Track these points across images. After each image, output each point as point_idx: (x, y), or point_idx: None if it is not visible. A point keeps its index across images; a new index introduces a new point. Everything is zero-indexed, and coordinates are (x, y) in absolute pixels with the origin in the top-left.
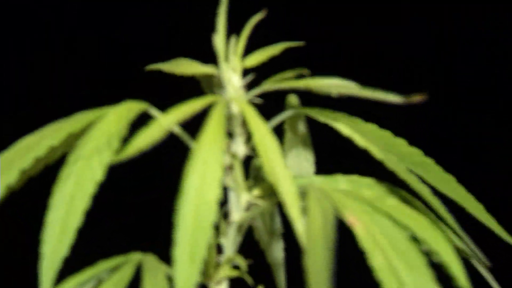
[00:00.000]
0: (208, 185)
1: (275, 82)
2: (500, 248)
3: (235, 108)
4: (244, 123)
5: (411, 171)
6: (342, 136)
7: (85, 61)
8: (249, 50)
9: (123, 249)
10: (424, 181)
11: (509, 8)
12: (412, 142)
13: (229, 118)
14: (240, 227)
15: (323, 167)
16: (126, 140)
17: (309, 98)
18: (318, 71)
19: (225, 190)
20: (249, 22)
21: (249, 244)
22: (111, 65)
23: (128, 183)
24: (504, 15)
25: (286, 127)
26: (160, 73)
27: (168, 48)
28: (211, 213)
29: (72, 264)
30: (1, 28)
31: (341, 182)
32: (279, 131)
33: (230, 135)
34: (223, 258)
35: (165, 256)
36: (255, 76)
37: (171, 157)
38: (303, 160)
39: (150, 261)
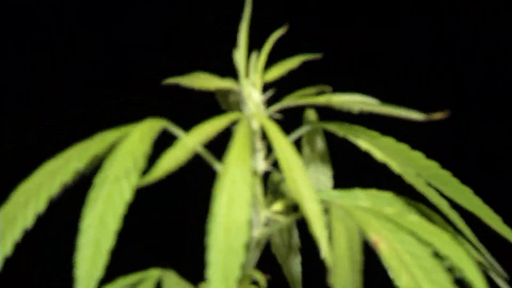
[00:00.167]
0: (238, 206)
1: (296, 98)
2: None
3: (255, 124)
4: (264, 139)
5: (429, 184)
6: (359, 150)
7: (87, 61)
8: (268, 64)
9: (143, 266)
10: (441, 194)
11: None
12: (429, 154)
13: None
14: (258, 242)
15: (341, 181)
16: (150, 158)
17: (326, 113)
18: (338, 85)
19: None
20: (270, 37)
21: (268, 260)
22: (113, 66)
23: (148, 202)
24: None
25: (304, 142)
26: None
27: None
28: (242, 234)
29: None
30: (1, 28)
31: (360, 197)
32: (297, 146)
33: None
34: (242, 273)
35: (185, 273)
36: (275, 91)
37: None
38: (321, 174)
39: (170, 278)
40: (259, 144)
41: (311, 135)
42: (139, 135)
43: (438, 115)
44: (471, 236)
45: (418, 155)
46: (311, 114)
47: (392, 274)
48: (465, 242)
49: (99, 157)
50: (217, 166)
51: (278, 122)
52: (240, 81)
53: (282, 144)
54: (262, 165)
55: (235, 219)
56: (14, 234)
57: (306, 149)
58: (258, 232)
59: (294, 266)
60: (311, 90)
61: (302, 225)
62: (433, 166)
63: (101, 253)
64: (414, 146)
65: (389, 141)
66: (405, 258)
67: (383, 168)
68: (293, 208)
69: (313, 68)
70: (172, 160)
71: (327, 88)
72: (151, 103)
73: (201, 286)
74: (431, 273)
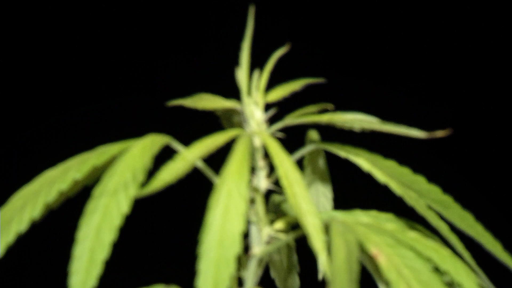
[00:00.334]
0: (232, 218)
1: (298, 116)
2: None
3: (257, 142)
4: (266, 157)
5: (430, 208)
6: (359, 171)
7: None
8: (270, 83)
9: (146, 281)
10: (443, 218)
11: None
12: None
13: (251, 152)
14: (260, 260)
15: (342, 203)
16: (150, 173)
17: (328, 134)
18: (340, 104)
19: (246, 223)
20: (272, 57)
21: (270, 277)
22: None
23: (151, 215)
24: None
25: (306, 162)
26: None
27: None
28: (235, 245)
29: None
30: (1, 28)
31: (361, 217)
32: (298, 166)
33: (252, 169)
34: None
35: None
36: (277, 110)
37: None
38: (322, 195)
39: None
40: (262, 162)
41: (313, 156)
42: (140, 149)
43: (439, 133)
44: (470, 260)
45: (420, 179)
46: (313, 134)
47: (390, 286)
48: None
49: (99, 169)
50: (216, 179)
51: (281, 141)
52: (242, 99)
53: (283, 160)
54: (264, 183)
55: (229, 230)
56: (8, 237)
57: (307, 170)
58: (260, 250)
59: (292, 284)
60: (313, 108)
61: (301, 245)
62: (435, 190)
63: (95, 263)
64: (417, 167)
65: (391, 163)
66: (404, 272)
67: (384, 191)
68: (295, 227)
69: (316, 86)
70: (171, 172)
71: (329, 106)
72: (158, 120)
73: None
74: (430, 286)
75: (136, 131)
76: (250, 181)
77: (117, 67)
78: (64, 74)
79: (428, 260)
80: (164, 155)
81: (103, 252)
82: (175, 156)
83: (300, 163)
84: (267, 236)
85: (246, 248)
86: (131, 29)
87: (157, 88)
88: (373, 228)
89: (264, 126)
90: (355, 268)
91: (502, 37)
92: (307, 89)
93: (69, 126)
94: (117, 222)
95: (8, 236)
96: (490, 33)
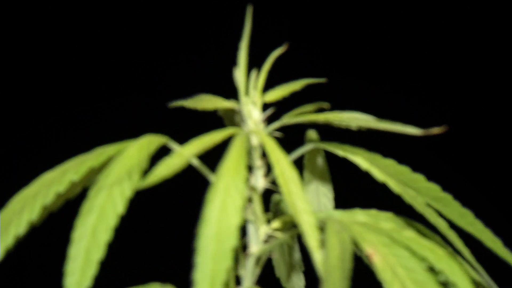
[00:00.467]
0: (229, 212)
1: (295, 115)
2: None
3: (255, 141)
4: (264, 156)
5: (429, 205)
6: (360, 170)
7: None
8: (269, 82)
9: (142, 279)
10: (442, 216)
11: None
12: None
13: (249, 151)
14: (258, 259)
15: (342, 201)
16: (146, 173)
17: (328, 133)
18: (338, 103)
19: (244, 222)
20: (270, 56)
21: (268, 276)
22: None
23: (146, 215)
24: None
25: (306, 161)
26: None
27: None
28: (232, 238)
29: None
30: (1, 28)
31: (360, 216)
32: (298, 166)
33: (249, 168)
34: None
35: (184, 287)
36: (276, 109)
37: (189, 188)
38: (322, 195)
39: None
40: (259, 162)
41: (312, 155)
42: (137, 150)
43: (435, 130)
44: (470, 257)
45: (419, 177)
46: (312, 134)
47: (385, 286)
48: (463, 262)
49: (97, 171)
50: (213, 176)
51: (280, 140)
52: (240, 99)
53: (280, 158)
54: (262, 182)
55: (226, 224)
56: (7, 240)
57: (307, 169)
58: (258, 248)
59: (296, 282)
60: (310, 107)
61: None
62: (434, 188)
63: (91, 263)
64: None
65: (389, 162)
66: (399, 271)
67: (386, 189)
68: (293, 225)
69: (314, 85)
70: (167, 168)
71: (326, 105)
72: (158, 121)
73: None
74: (424, 286)
75: (135, 132)
76: (247, 178)
77: (117, 68)
78: (64, 75)
79: (423, 259)
80: (162, 156)
81: (98, 252)
82: (171, 153)
83: (300, 163)
84: (264, 235)
85: (244, 247)
86: (131, 30)
87: (157, 89)
88: (369, 227)
89: (261, 126)
90: (348, 266)
91: (498, 35)
92: (305, 88)
93: (68, 127)
94: (112, 222)
95: (7, 240)
96: (486, 31)
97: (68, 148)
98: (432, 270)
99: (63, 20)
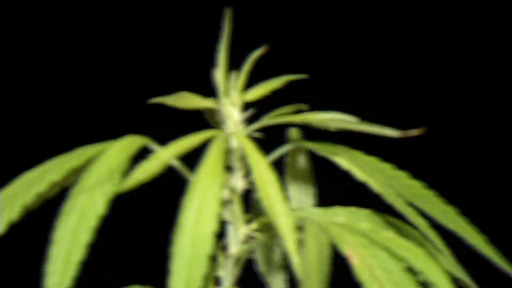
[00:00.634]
0: (205, 218)
1: (274, 116)
2: (502, 280)
3: (234, 143)
4: (243, 158)
5: (411, 204)
6: (342, 169)
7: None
8: (249, 83)
9: (122, 281)
10: (424, 213)
11: None
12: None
13: (229, 152)
14: (238, 260)
15: (325, 199)
16: (127, 174)
17: (312, 131)
18: (318, 104)
19: (223, 223)
20: (250, 57)
21: (248, 277)
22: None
23: (127, 215)
24: None
25: (288, 160)
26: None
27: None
28: (207, 245)
29: None
30: (1, 28)
31: (340, 214)
32: (281, 164)
33: (229, 169)
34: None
35: None
36: (256, 110)
37: (169, 189)
38: (304, 193)
39: None
40: (238, 163)
41: (294, 154)
42: (117, 151)
43: (413, 132)
44: (450, 255)
45: (401, 175)
46: (294, 133)
47: (363, 286)
48: (444, 260)
49: (77, 171)
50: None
51: (262, 140)
52: (220, 100)
53: (258, 161)
54: (241, 183)
55: (202, 230)
56: None
57: (289, 168)
58: (237, 249)
59: (278, 283)
60: (290, 109)
61: None
62: (417, 185)
63: (71, 264)
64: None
65: (372, 160)
66: (377, 272)
67: (367, 187)
68: (272, 225)
69: (294, 86)
70: (145, 171)
71: (305, 106)
72: (139, 121)
73: None
74: (403, 287)
75: (116, 132)
76: (224, 182)
77: (116, 68)
78: (63, 75)
79: (402, 260)
80: (143, 156)
81: (79, 253)
82: (150, 156)
83: (282, 162)
84: (243, 235)
85: (224, 248)
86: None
87: (142, 89)
88: (347, 228)
89: (241, 127)
90: (326, 269)
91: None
92: (288, 88)
93: (68, 127)
94: (93, 223)
95: None
96: (487, 31)
97: (68, 148)
98: (411, 270)
99: (63, 20)
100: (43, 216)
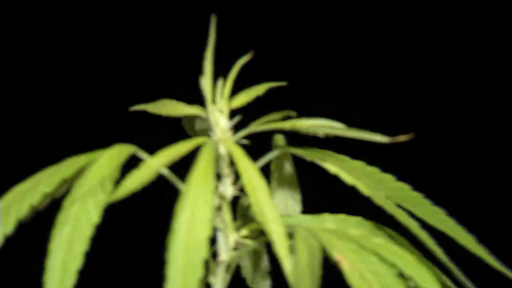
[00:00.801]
0: (198, 224)
1: (262, 123)
2: (492, 279)
3: (222, 150)
4: (232, 164)
5: (399, 206)
6: (329, 174)
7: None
8: (235, 91)
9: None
10: (413, 215)
11: None
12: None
13: (217, 159)
14: (228, 266)
15: (311, 205)
16: (117, 182)
17: (297, 137)
18: (306, 110)
19: (213, 230)
20: (236, 64)
21: (238, 283)
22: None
23: (120, 223)
24: None
25: (273, 166)
26: (145, 113)
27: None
28: (201, 251)
29: None
30: (1, 28)
31: (328, 221)
32: (266, 171)
33: (218, 176)
34: None
35: None
36: (242, 116)
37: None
38: (290, 199)
39: None
40: (227, 170)
41: (280, 160)
42: (107, 160)
43: (402, 138)
44: (442, 256)
45: (388, 178)
46: (279, 139)
47: None
48: (433, 266)
49: (68, 181)
50: (182, 187)
51: (248, 147)
52: (207, 107)
53: (247, 167)
54: (230, 190)
55: (195, 236)
56: None
57: (275, 174)
58: (227, 256)
59: (263, 285)
60: (277, 115)
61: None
62: (404, 188)
63: (69, 274)
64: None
65: (359, 164)
66: (367, 276)
67: (354, 192)
68: (262, 232)
69: (282, 93)
70: (135, 180)
71: (293, 113)
72: (124, 130)
73: None
74: None
75: (101, 140)
76: (215, 188)
77: (115, 69)
78: (63, 75)
79: (392, 265)
80: (131, 165)
81: (76, 262)
82: (140, 165)
83: (268, 168)
84: (234, 242)
85: (214, 255)
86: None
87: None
88: (337, 234)
89: (229, 134)
90: (317, 274)
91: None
92: (274, 95)
93: (68, 127)
94: (88, 232)
95: None
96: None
97: (68, 148)
98: (401, 276)
99: (63, 20)
100: (39, 225)
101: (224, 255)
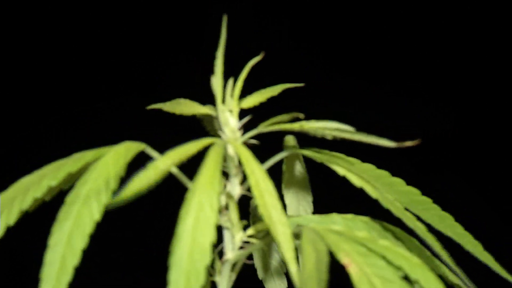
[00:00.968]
0: (203, 229)
1: (271, 124)
2: (499, 285)
3: (231, 150)
4: (240, 165)
5: (407, 210)
6: (339, 176)
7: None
8: (245, 91)
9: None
10: (421, 220)
11: None
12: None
13: (226, 159)
14: (234, 265)
15: (320, 206)
16: (124, 180)
17: (307, 138)
18: (321, 106)
19: (220, 229)
20: (247, 65)
21: (243, 282)
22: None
23: (125, 222)
24: None
25: (285, 167)
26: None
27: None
28: (205, 256)
29: None
30: (1, 28)
31: (337, 221)
32: (278, 171)
33: (226, 175)
34: None
35: None
36: (252, 116)
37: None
38: (302, 199)
39: None
40: (235, 170)
41: (291, 160)
42: (114, 157)
43: (408, 143)
44: (448, 259)
45: (398, 181)
46: (290, 140)
47: None
48: (441, 265)
49: (75, 175)
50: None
51: (258, 147)
52: (217, 107)
53: (254, 169)
54: (238, 190)
55: (199, 241)
56: None
57: (286, 175)
58: (233, 255)
59: (278, 284)
60: (286, 116)
61: None
62: (413, 192)
63: (66, 270)
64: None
65: (368, 167)
66: (375, 281)
67: (363, 194)
68: (268, 231)
69: (286, 94)
70: (143, 181)
71: (301, 115)
72: (139, 126)
73: None
74: None
75: (115, 136)
76: (221, 191)
77: (98, 73)
78: (63, 75)
79: (398, 268)
80: (140, 162)
81: (74, 259)
82: (147, 165)
83: (279, 168)
84: (240, 241)
85: (221, 253)
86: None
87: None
88: (344, 236)
89: (238, 134)
90: (324, 277)
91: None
92: (285, 95)
93: (68, 127)
94: (89, 229)
95: None
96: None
97: (68, 148)
98: (407, 279)
99: (63, 21)
100: (41, 218)
101: (230, 254)
